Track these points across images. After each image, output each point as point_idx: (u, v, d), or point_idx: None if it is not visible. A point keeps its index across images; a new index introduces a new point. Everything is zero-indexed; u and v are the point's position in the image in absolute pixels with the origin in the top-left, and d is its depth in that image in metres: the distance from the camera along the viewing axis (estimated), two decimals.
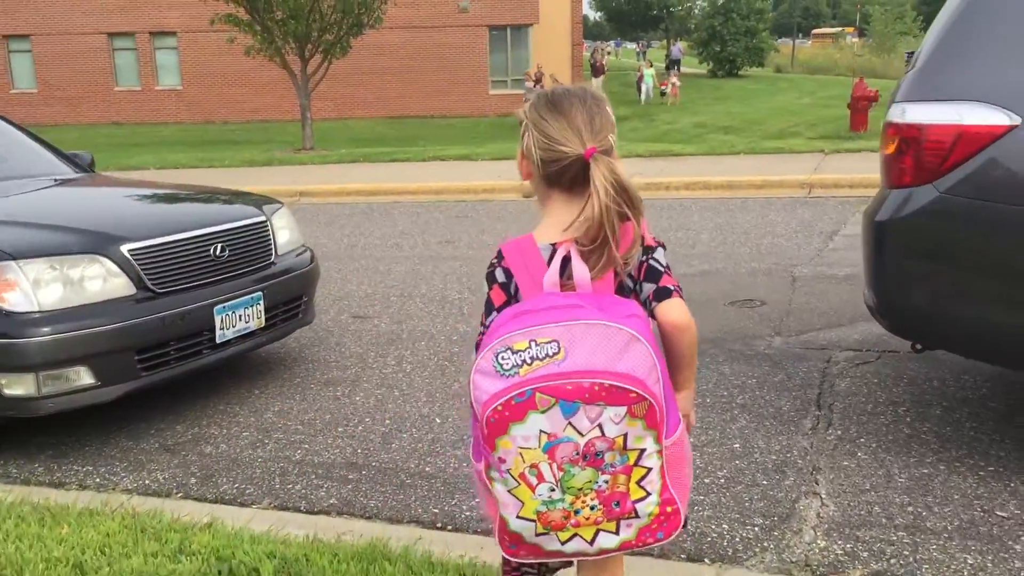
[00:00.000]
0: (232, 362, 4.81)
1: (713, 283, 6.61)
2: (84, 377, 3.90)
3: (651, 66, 35.98)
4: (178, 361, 4.21)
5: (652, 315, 1.83)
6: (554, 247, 1.80)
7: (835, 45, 66.84)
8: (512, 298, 1.84)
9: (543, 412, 1.61)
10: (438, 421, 4.27)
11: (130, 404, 4.38)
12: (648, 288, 1.84)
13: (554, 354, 1.62)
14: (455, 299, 6.56)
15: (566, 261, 1.77)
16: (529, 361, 1.62)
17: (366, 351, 5.41)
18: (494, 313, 1.84)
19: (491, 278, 1.87)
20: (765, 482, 3.47)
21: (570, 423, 1.61)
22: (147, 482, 3.76)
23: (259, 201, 5.11)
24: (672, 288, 1.84)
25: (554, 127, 1.78)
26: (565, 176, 1.80)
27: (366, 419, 4.33)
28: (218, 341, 4.35)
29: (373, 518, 3.37)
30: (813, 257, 7.31)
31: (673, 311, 1.82)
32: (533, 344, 1.63)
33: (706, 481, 3.50)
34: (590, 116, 1.80)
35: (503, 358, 1.63)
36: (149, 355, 4.08)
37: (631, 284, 1.86)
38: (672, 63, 44.19)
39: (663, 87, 33.92)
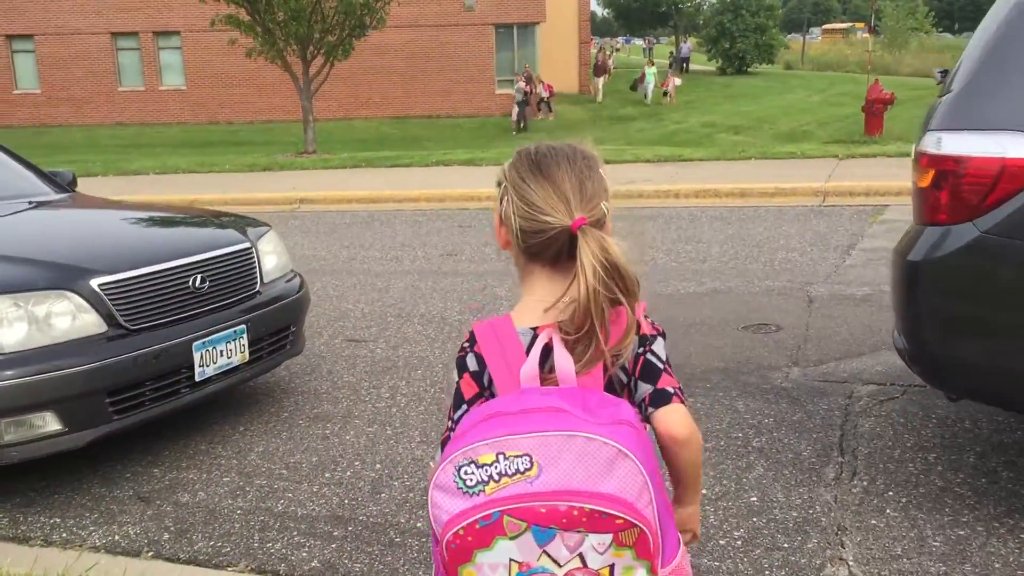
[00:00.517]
0: (217, 394, 4.53)
1: (725, 304, 6.31)
2: (50, 423, 3.63)
3: (652, 65, 35.49)
4: (154, 402, 3.93)
5: (647, 420, 1.54)
6: (535, 332, 1.52)
7: (845, 40, 66.37)
8: (485, 390, 1.56)
9: (513, 538, 1.34)
10: (431, 465, 3.97)
11: (107, 443, 4.10)
12: (644, 389, 1.56)
13: (525, 470, 1.35)
14: (454, 320, 6.27)
15: (548, 350, 1.49)
16: (496, 477, 1.35)
17: (359, 380, 5.12)
18: (464, 407, 1.56)
19: (462, 365, 1.59)
20: (786, 545, 3.17)
21: (545, 552, 1.34)
22: (116, 537, 3.48)
23: (244, 224, 4.82)
24: (672, 391, 1.55)
25: (537, 193, 1.51)
26: (549, 250, 1.53)
27: (355, 463, 4.05)
28: (197, 379, 4.07)
29: None
30: (830, 274, 7.00)
31: (673, 421, 1.53)
32: (501, 458, 1.36)
33: (721, 543, 3.20)
34: (580, 181, 1.52)
35: (465, 472, 1.37)
36: (121, 397, 3.80)
37: (624, 378, 1.57)
38: (675, 61, 43.88)
39: (664, 87, 33.45)
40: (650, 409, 1.54)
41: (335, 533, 3.43)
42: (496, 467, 1.35)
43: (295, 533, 3.45)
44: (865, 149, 13.81)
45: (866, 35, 55.53)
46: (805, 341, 5.39)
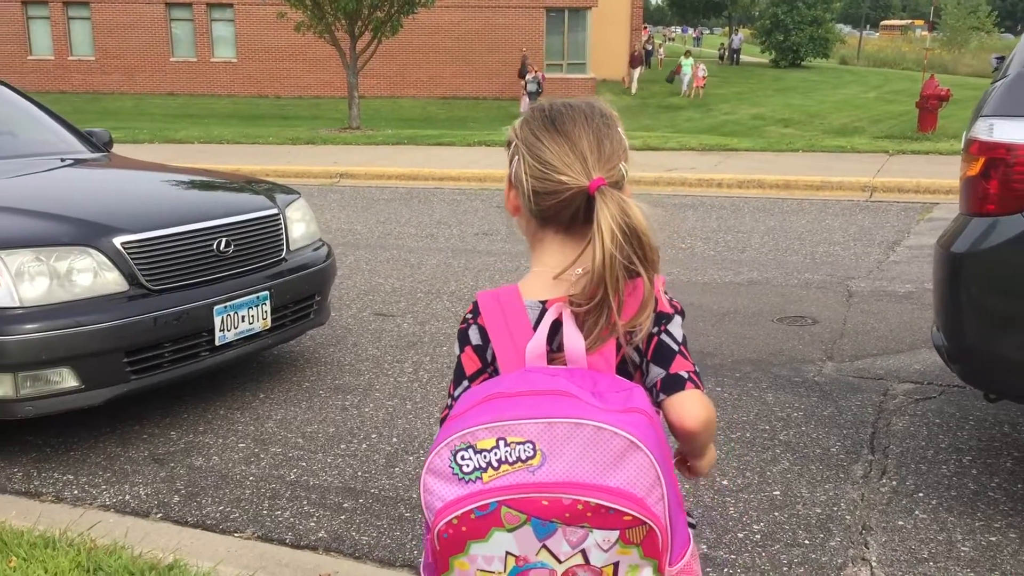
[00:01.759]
0: (238, 360, 4.49)
1: (761, 295, 6.15)
2: (67, 379, 3.60)
3: (689, 56, 34.65)
4: (172, 364, 3.90)
5: (655, 405, 1.41)
6: (544, 306, 1.41)
7: (904, 38, 65.07)
8: (488, 366, 1.44)
9: (511, 530, 1.23)
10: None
11: (127, 402, 4.09)
12: (656, 373, 1.42)
13: (528, 458, 1.23)
14: None
15: (557, 325, 1.37)
16: (495, 465, 1.24)
17: (383, 354, 5.06)
18: (465, 383, 1.45)
19: (463, 338, 1.47)
20: (807, 541, 3.05)
21: (545, 546, 1.23)
22: (127, 498, 3.45)
23: (273, 191, 4.77)
24: (686, 376, 1.41)
25: (552, 151, 1.38)
26: (562, 214, 1.40)
27: (372, 435, 3.99)
28: (217, 343, 4.03)
29: (363, 558, 3.03)
30: (872, 270, 6.80)
31: (685, 411, 1.39)
32: (502, 444, 1.24)
33: (739, 536, 3.09)
34: (598, 138, 1.39)
35: (462, 458, 1.25)
36: (139, 357, 3.76)
37: (637, 359, 1.44)
38: (725, 53, 43.06)
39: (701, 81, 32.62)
40: (662, 396, 1.41)
41: (345, 505, 3.37)
42: (495, 453, 1.24)
43: (305, 503, 3.39)
44: (917, 146, 13.48)
45: (925, 33, 54.37)
46: (841, 336, 5.23)
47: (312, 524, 3.24)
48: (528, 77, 25.86)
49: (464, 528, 1.24)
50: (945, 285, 3.11)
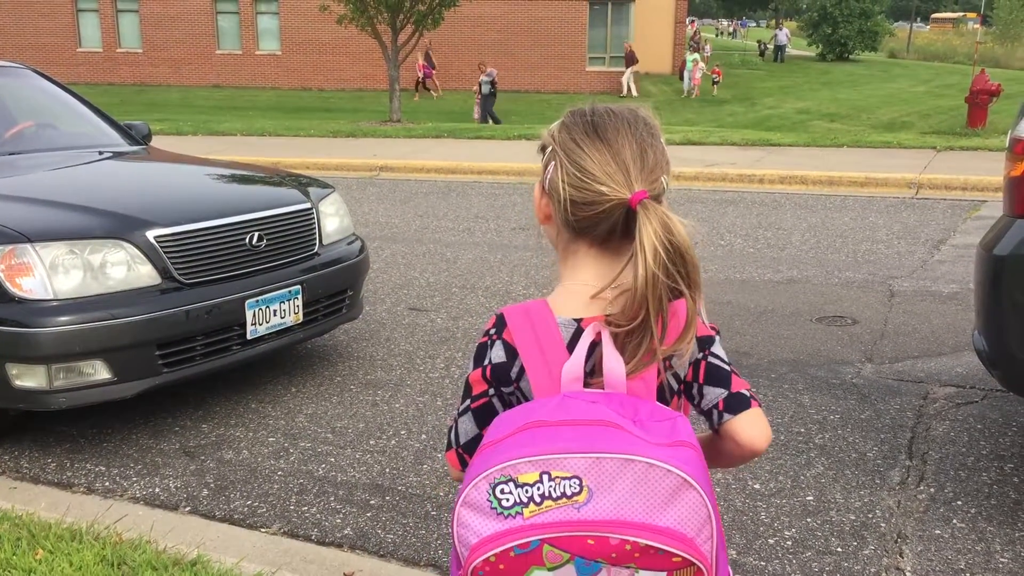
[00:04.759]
0: (270, 354, 4.50)
1: (800, 293, 6.04)
2: (100, 371, 3.63)
3: (696, 51, 32.51)
4: (204, 358, 3.92)
5: (714, 427, 1.38)
6: (579, 324, 1.33)
7: (955, 31, 63.77)
8: (512, 383, 1.37)
9: (552, 569, 1.17)
10: (439, 457, 3.86)
11: (160, 394, 4.13)
12: (715, 395, 1.37)
13: (574, 494, 1.16)
14: (519, 295, 6.16)
15: (593, 346, 1.30)
16: (538, 500, 1.17)
17: (416, 349, 5.05)
18: (467, 402, 1.40)
19: (481, 355, 1.39)
20: (840, 549, 2.98)
21: None
22: (157, 490, 3.47)
23: (307, 185, 4.77)
24: (748, 395, 1.37)
25: (593, 159, 1.31)
26: (599, 227, 1.32)
27: (402, 431, 3.98)
28: (249, 337, 4.04)
29: (388, 556, 3.02)
30: (916, 269, 6.66)
31: (756, 428, 1.37)
32: (546, 478, 1.17)
33: (770, 542, 3.03)
34: (641, 148, 1.32)
35: (502, 492, 1.18)
36: (171, 351, 3.79)
37: (675, 384, 1.38)
38: (764, 49, 42.22)
39: (715, 75, 31.04)
40: (726, 416, 1.36)
41: (372, 501, 3.36)
42: (539, 488, 1.17)
43: (332, 499, 3.39)
44: (965, 142, 13.18)
45: (977, 26, 53.26)
46: (882, 337, 5.12)
47: (338, 521, 3.23)
48: (482, 78, 22.24)
49: (502, 566, 1.18)
50: (986, 288, 3.02)
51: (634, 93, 30.36)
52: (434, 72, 29.65)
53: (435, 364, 4.81)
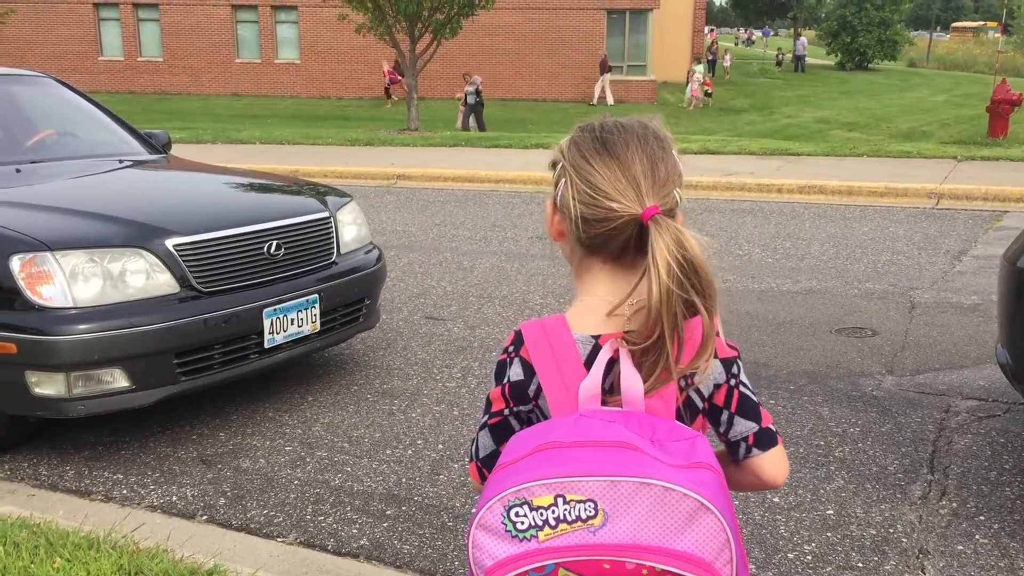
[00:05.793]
0: (288, 362, 4.51)
1: (819, 304, 6.00)
2: (119, 380, 3.64)
3: (699, 62, 32.28)
4: (222, 366, 3.92)
5: (738, 458, 1.40)
6: (596, 341, 1.32)
7: (975, 40, 63.43)
8: (530, 401, 1.36)
9: None
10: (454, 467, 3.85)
11: (178, 402, 4.14)
12: (746, 427, 1.38)
13: (589, 518, 1.15)
14: (536, 304, 6.15)
15: (611, 364, 1.29)
16: (553, 523, 1.16)
17: (432, 358, 5.05)
18: (486, 418, 1.39)
19: (500, 373, 1.38)
20: (860, 564, 2.95)
21: None
22: (174, 499, 3.48)
23: (325, 194, 4.78)
24: (775, 430, 1.39)
25: (603, 175, 1.29)
26: (612, 243, 1.31)
27: (418, 441, 3.97)
28: (267, 346, 4.04)
29: (404, 568, 3.01)
30: (936, 280, 6.60)
31: (781, 465, 1.41)
32: (560, 501, 1.16)
33: (789, 557, 3.00)
34: (652, 162, 1.31)
35: (516, 515, 1.17)
36: (190, 359, 3.79)
37: (699, 403, 1.37)
38: (781, 59, 41.97)
39: (707, 87, 30.55)
40: (755, 451, 1.39)
41: (388, 512, 3.35)
42: (554, 511, 1.16)
43: (348, 509, 3.38)
44: (987, 151, 13.07)
45: (998, 35, 52.94)
46: (902, 349, 5.07)
47: (354, 531, 3.22)
48: (467, 88, 21.85)
49: None
50: (1010, 300, 2.98)
51: (609, 101, 30.28)
52: (401, 79, 29.25)
53: (452, 374, 4.80)
